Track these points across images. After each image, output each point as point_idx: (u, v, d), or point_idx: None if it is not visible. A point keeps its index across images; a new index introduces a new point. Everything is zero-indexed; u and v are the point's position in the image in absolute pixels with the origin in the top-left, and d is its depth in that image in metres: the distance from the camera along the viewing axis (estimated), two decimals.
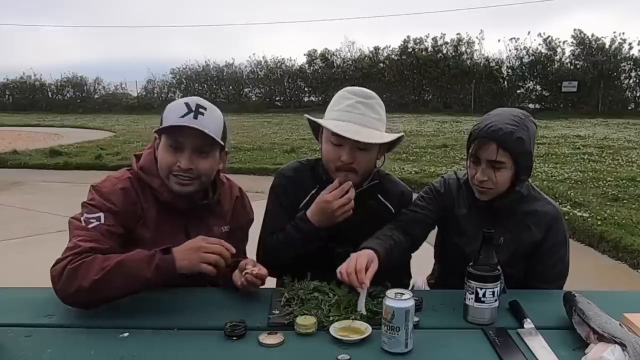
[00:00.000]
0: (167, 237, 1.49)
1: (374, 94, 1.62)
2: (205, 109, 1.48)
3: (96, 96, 29.36)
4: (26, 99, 29.26)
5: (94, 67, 64.40)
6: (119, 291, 1.35)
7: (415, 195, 1.81)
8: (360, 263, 1.39)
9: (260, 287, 1.51)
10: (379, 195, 1.74)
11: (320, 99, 25.33)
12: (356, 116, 1.56)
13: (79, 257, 1.35)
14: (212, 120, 1.49)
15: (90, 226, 1.41)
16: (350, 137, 1.52)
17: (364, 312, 1.35)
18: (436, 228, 1.80)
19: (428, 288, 1.88)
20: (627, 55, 22.14)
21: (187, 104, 1.47)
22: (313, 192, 1.69)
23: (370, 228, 1.64)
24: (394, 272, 1.76)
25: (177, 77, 28.63)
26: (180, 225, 1.55)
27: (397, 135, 1.65)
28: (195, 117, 1.45)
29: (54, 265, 1.37)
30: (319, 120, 1.61)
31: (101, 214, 1.43)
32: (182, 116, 1.45)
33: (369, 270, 1.40)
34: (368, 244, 1.51)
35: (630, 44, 21.99)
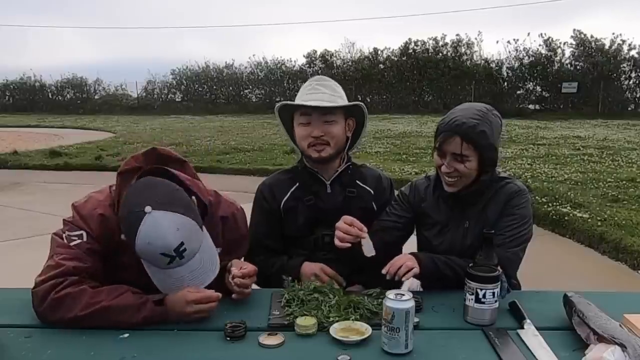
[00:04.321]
0: None
1: (330, 79, 1.82)
2: (182, 243, 1.31)
3: (96, 97, 29.34)
4: (26, 99, 29.24)
5: (93, 68, 64.29)
6: (100, 327, 1.32)
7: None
8: (349, 218, 1.55)
9: (260, 287, 1.52)
10: (357, 181, 1.84)
11: None
12: (317, 95, 1.74)
13: (64, 283, 1.33)
14: (192, 243, 1.35)
15: (72, 244, 1.39)
16: (314, 104, 1.70)
17: (374, 253, 1.49)
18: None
19: (422, 289, 1.88)
20: (627, 56, 22.16)
21: (164, 255, 1.31)
22: (293, 189, 1.82)
23: (353, 212, 1.70)
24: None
25: (178, 78, 28.64)
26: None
27: (355, 102, 1.80)
28: (182, 257, 1.33)
29: (36, 286, 1.35)
30: (288, 102, 1.78)
31: (83, 232, 1.40)
32: (169, 264, 1.33)
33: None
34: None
35: (630, 44, 22.04)
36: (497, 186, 1.67)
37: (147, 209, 1.28)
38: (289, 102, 1.78)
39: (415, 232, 1.84)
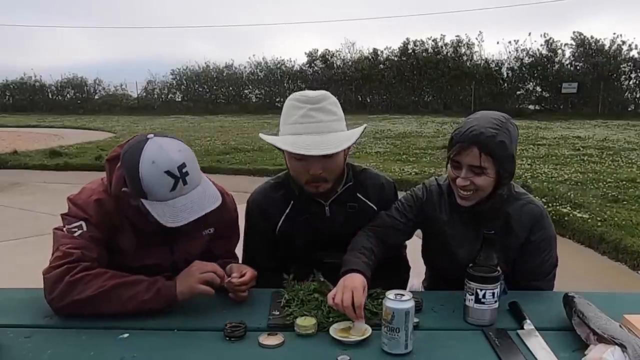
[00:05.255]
0: (149, 248, 1.49)
1: (324, 94, 1.53)
2: (184, 164, 1.34)
3: (96, 97, 29.38)
4: (26, 99, 29.28)
5: (94, 68, 64.45)
6: (114, 310, 1.34)
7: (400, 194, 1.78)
8: (358, 298, 1.31)
9: (259, 288, 1.52)
10: (358, 194, 1.69)
11: None
12: (312, 125, 1.47)
13: (78, 267, 1.35)
14: (194, 169, 1.38)
15: (75, 234, 1.41)
16: (315, 154, 1.45)
17: (365, 328, 1.30)
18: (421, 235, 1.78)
19: (423, 289, 1.88)
20: (627, 57, 22.17)
21: (169, 174, 1.31)
22: (287, 211, 1.67)
23: (355, 229, 1.64)
24: (393, 269, 1.78)
25: (178, 78, 28.66)
26: (159, 237, 1.51)
27: (360, 130, 1.56)
28: (185, 182, 1.34)
29: (48, 272, 1.36)
30: (275, 140, 1.52)
31: (82, 222, 1.42)
32: (172, 189, 1.33)
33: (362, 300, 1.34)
34: (355, 265, 1.45)
35: (630, 45, 22.06)
36: (517, 205, 1.60)
37: (150, 135, 1.37)
38: (277, 142, 1.51)
39: (422, 241, 1.79)
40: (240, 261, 1.71)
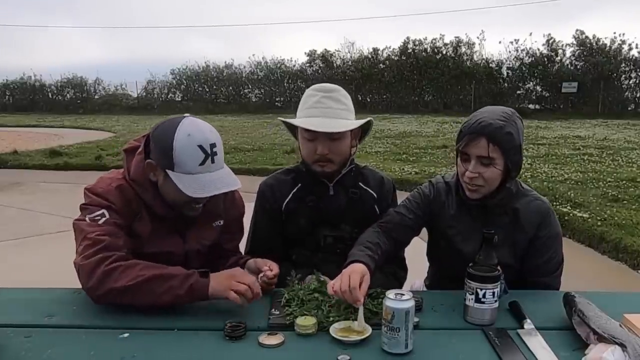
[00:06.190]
0: (163, 235, 1.53)
1: (337, 87, 1.72)
2: (215, 144, 1.44)
3: (96, 97, 29.36)
4: (26, 99, 29.25)
5: (94, 68, 64.59)
6: (148, 301, 1.36)
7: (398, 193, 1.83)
8: (354, 280, 1.34)
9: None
10: (359, 183, 1.82)
11: None
12: (323, 110, 1.66)
13: (113, 257, 1.36)
14: (221, 152, 1.47)
15: (99, 222, 1.43)
16: (320, 130, 1.63)
17: (365, 327, 1.30)
18: (426, 232, 1.79)
19: (425, 289, 1.88)
20: (628, 56, 22.17)
21: (201, 148, 1.41)
22: (295, 190, 1.80)
23: (355, 214, 1.76)
24: (390, 268, 1.80)
25: (177, 78, 28.64)
26: (173, 225, 1.56)
27: (364, 120, 1.72)
28: (213, 161, 1.43)
29: (82, 261, 1.36)
30: (291, 120, 1.72)
31: (104, 210, 1.44)
32: (201, 163, 1.41)
33: (362, 286, 1.36)
34: (358, 257, 1.48)
35: (630, 45, 22.05)
36: (525, 200, 1.62)
37: (186, 115, 1.46)
38: (293, 121, 1.70)
39: (428, 239, 1.80)
40: (243, 251, 1.79)
